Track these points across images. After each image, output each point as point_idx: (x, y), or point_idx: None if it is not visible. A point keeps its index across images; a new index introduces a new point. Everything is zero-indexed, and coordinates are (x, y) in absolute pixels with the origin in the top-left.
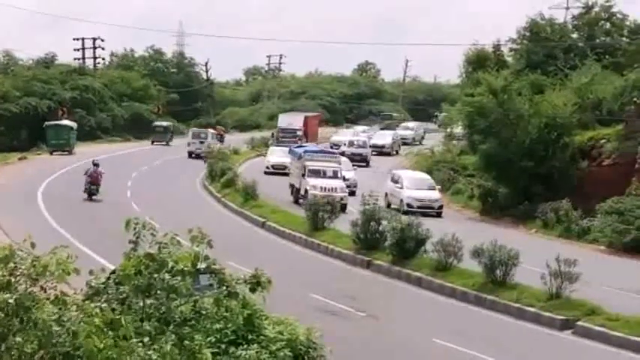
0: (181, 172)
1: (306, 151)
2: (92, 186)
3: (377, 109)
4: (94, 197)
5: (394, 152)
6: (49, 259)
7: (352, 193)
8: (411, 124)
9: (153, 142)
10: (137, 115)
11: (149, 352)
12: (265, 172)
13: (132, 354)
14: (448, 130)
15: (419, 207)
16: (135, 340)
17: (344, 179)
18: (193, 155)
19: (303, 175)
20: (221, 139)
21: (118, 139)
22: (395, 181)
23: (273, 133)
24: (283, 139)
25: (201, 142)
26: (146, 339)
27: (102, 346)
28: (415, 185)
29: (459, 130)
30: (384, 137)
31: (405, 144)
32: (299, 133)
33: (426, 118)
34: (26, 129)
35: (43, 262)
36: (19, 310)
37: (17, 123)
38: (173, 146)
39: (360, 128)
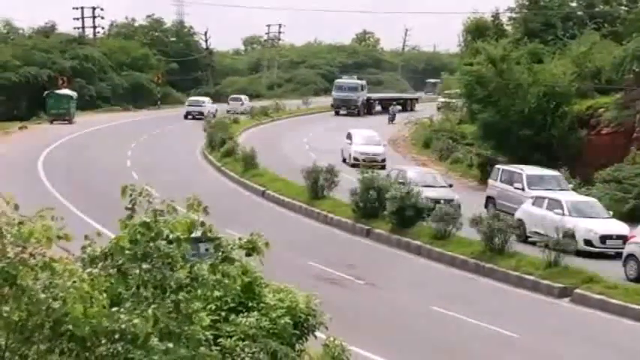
0: (180, 141)
1: None
2: None
3: (377, 79)
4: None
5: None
6: (35, 226)
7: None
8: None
9: None
10: (137, 84)
11: (134, 319)
12: None
13: (117, 322)
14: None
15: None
16: (127, 305)
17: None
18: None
19: None
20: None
21: (117, 109)
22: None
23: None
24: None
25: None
26: (127, 304)
27: (90, 312)
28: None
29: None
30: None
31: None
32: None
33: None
34: (26, 98)
35: (29, 229)
36: (9, 278)
37: (17, 92)
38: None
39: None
